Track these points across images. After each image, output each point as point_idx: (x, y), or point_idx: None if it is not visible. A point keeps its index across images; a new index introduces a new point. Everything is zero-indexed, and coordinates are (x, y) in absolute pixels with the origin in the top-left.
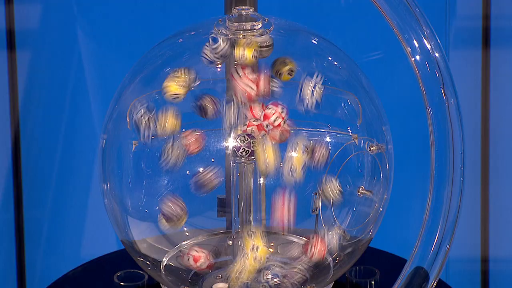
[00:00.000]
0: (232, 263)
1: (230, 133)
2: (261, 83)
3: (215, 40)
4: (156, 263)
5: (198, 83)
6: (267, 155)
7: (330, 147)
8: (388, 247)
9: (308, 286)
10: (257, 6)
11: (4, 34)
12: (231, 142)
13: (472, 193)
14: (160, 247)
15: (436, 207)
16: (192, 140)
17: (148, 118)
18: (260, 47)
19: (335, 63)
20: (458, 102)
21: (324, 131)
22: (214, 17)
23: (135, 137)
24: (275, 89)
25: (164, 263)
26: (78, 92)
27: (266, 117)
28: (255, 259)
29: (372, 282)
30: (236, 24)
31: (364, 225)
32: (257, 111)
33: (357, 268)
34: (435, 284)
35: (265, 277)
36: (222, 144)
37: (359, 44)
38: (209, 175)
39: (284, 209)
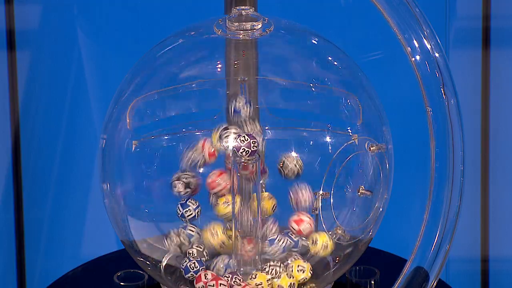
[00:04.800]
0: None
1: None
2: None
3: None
4: (156, 263)
5: None
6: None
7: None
8: (388, 247)
9: (308, 286)
10: (257, 6)
11: (4, 34)
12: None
13: (472, 193)
14: (160, 247)
15: (436, 207)
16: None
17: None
18: None
19: (335, 63)
20: (458, 102)
21: (324, 131)
22: (214, 17)
23: (135, 137)
24: None
25: (164, 263)
26: (78, 92)
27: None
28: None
29: (372, 282)
30: (236, 24)
31: (364, 225)
32: None
33: (357, 268)
34: (435, 284)
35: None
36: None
37: (359, 44)
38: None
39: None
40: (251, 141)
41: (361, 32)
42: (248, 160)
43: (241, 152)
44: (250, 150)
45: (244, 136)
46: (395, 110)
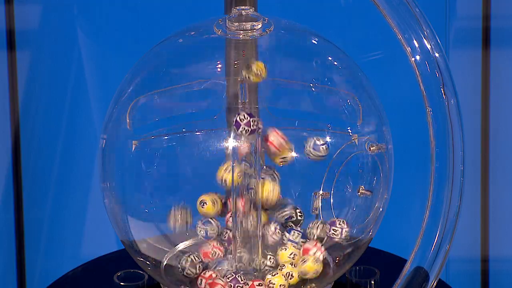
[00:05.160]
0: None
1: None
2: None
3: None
4: (156, 263)
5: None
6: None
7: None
8: (388, 247)
9: (308, 286)
10: (257, 6)
11: (4, 34)
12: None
13: (472, 193)
14: (160, 247)
15: (436, 207)
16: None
17: None
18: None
19: (335, 63)
20: (458, 102)
21: (324, 131)
22: (214, 17)
23: (135, 137)
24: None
25: (164, 263)
26: (78, 92)
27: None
28: None
29: (372, 282)
30: (236, 24)
31: (364, 225)
32: None
33: (357, 268)
34: (435, 284)
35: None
36: (222, 145)
37: (359, 44)
38: None
39: None
40: (251, 119)
41: (361, 32)
42: (248, 138)
43: (240, 131)
44: (250, 129)
45: (243, 115)
46: (395, 110)
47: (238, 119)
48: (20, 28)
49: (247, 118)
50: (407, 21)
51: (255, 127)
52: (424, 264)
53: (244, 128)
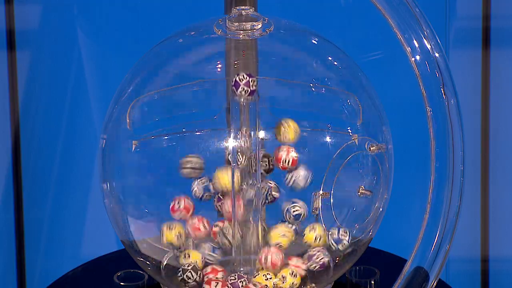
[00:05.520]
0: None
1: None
2: None
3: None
4: (156, 263)
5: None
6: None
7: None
8: (388, 247)
9: (308, 286)
10: (257, 6)
11: (4, 34)
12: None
13: (472, 193)
14: (160, 247)
15: (436, 207)
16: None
17: None
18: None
19: (335, 63)
20: (458, 102)
21: (324, 131)
22: (214, 17)
23: (135, 137)
24: None
25: (164, 263)
26: (78, 92)
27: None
28: None
29: (372, 282)
30: (236, 24)
31: (364, 225)
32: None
33: (357, 268)
34: (435, 284)
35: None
36: (222, 145)
37: (359, 44)
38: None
39: None
40: (250, 79)
41: (361, 32)
42: (247, 99)
43: (240, 92)
44: (249, 90)
45: (243, 75)
46: (395, 110)
47: (237, 79)
48: (20, 28)
49: (246, 78)
50: (407, 21)
51: (254, 87)
52: (424, 264)
53: (244, 89)
